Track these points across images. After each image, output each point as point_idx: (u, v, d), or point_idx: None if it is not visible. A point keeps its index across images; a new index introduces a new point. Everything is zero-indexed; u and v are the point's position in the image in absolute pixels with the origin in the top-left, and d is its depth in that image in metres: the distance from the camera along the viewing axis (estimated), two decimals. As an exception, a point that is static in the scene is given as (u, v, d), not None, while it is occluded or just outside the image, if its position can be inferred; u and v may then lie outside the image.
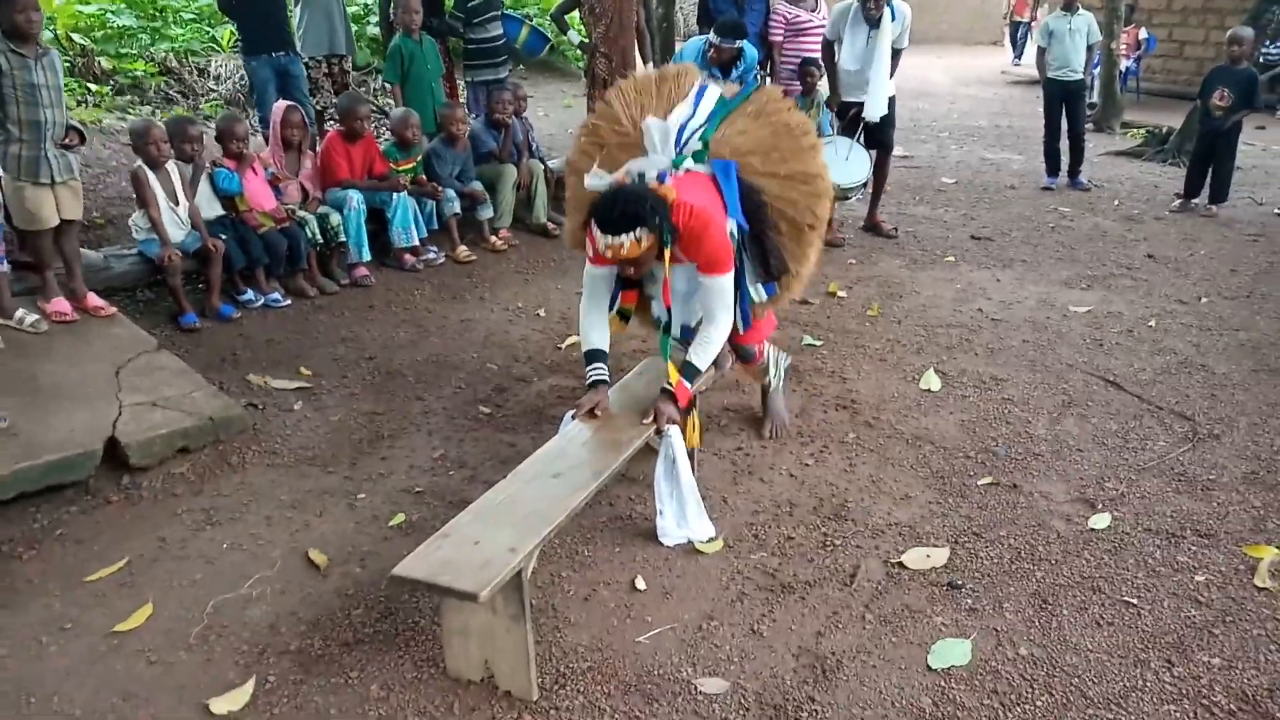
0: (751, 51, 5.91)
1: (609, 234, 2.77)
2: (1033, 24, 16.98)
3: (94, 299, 4.24)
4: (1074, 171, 7.85)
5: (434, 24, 6.61)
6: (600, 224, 2.79)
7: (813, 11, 6.41)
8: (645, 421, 2.93)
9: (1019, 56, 16.80)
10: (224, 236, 4.74)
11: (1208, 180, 7.06)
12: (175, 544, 3.01)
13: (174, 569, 2.89)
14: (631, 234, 2.75)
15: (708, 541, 3.02)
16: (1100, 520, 3.16)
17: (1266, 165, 8.81)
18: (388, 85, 6.48)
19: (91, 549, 2.98)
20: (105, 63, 9.01)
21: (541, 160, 6.42)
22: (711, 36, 5.66)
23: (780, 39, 6.43)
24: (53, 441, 3.24)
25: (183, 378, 3.81)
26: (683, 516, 3.01)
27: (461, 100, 6.78)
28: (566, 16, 7.06)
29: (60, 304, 4.12)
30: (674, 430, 2.93)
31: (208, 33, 10.59)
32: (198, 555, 2.96)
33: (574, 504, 2.48)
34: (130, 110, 8.88)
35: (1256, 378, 4.27)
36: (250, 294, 4.87)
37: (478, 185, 5.93)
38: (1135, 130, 10.38)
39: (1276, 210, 7.16)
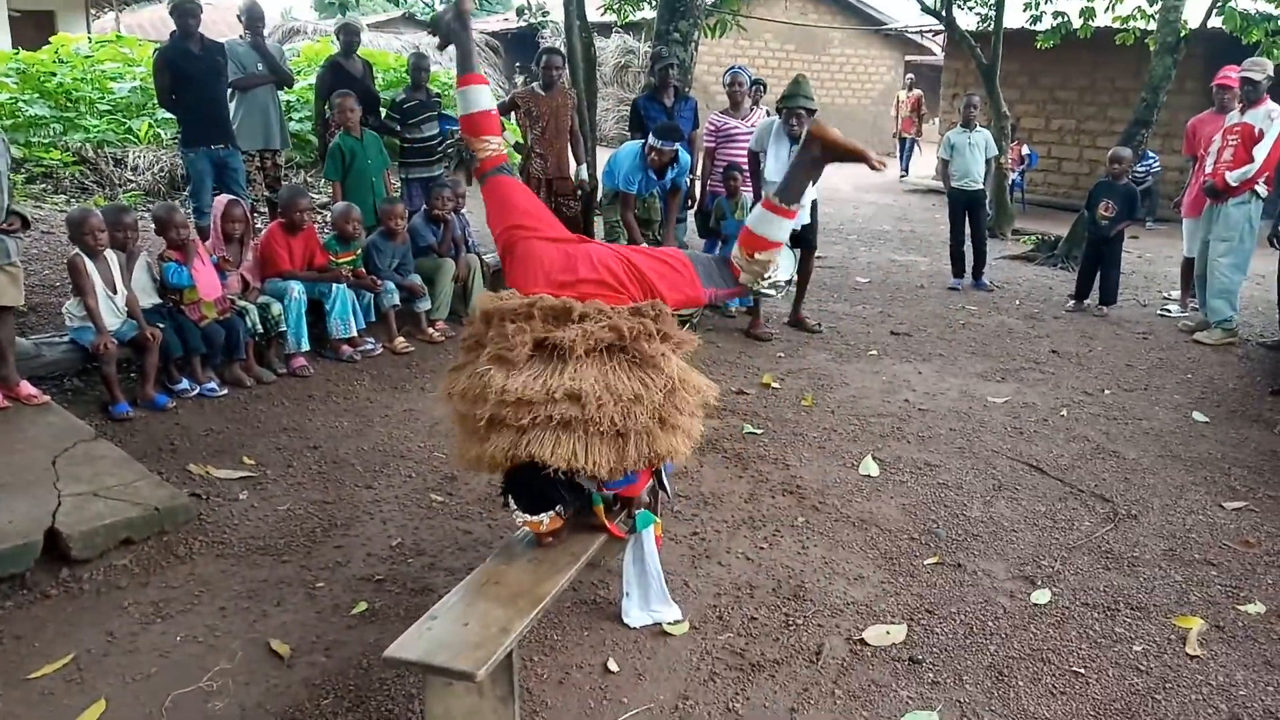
0: (685, 155, 6.22)
1: (525, 512, 2.63)
2: (918, 140, 18.21)
3: (26, 387, 4.10)
4: (978, 273, 8.37)
5: (370, 122, 6.74)
6: (516, 499, 2.64)
7: (743, 119, 6.81)
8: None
9: (905, 172, 17.66)
10: (161, 325, 4.67)
11: (1096, 282, 7.63)
12: (124, 638, 2.90)
13: (125, 664, 2.77)
14: (549, 513, 2.62)
15: (674, 623, 3.06)
16: (1041, 596, 3.33)
17: (1144, 270, 9.55)
18: (328, 181, 6.53)
19: (33, 645, 2.84)
20: (16, 151, 8.82)
21: (478, 255, 6.53)
22: (652, 140, 5.94)
23: (712, 145, 6.80)
24: (-11, 533, 3.10)
25: (124, 467, 3.70)
26: (647, 601, 3.07)
27: (396, 195, 6.86)
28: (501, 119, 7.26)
29: (-10, 392, 3.98)
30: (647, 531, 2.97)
31: (124, 124, 10.49)
32: (150, 649, 2.85)
33: (560, 584, 2.51)
34: (44, 199, 8.69)
35: (1162, 463, 4.58)
36: (185, 383, 4.77)
37: (416, 278, 6.00)
38: (1026, 237, 11.13)
39: (1159, 311, 7.76)
